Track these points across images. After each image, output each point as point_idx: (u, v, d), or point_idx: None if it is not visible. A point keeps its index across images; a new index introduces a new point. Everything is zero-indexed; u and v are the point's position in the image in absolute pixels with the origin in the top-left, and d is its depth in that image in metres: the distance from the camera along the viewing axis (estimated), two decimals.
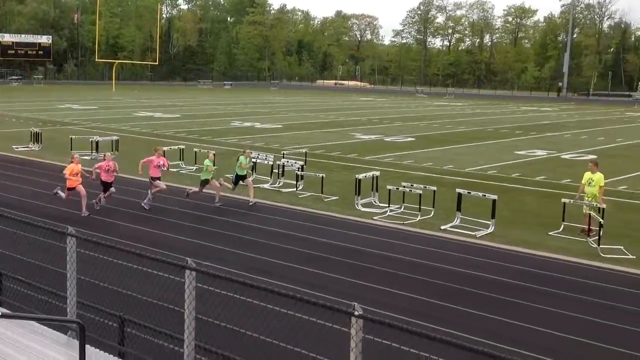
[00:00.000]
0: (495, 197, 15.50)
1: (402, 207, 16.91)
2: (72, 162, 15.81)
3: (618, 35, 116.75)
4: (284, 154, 23.13)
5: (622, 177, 23.35)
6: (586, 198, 15.27)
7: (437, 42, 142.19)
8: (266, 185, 19.90)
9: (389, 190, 17.03)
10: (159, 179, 16.65)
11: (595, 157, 26.06)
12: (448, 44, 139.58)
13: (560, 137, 37.98)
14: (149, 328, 6.78)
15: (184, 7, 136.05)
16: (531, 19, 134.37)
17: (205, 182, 16.85)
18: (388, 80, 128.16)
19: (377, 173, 18.64)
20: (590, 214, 14.83)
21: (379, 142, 32.86)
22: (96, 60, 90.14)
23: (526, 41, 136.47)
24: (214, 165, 17.19)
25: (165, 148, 23.57)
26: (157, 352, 6.92)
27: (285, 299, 5.13)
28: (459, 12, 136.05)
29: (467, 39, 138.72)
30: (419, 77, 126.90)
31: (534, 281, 11.74)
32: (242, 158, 17.39)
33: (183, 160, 23.60)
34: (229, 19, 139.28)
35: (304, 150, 24.46)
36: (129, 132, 34.45)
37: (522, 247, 13.99)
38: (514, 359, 3.90)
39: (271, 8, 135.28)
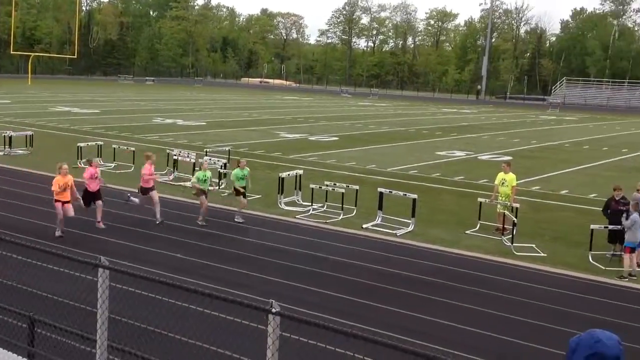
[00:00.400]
0: (415, 196, 15.82)
1: (325, 206, 17.02)
2: (59, 172, 13.44)
3: (534, 40, 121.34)
4: (206, 151, 22.88)
5: (536, 177, 24.28)
6: (500, 198, 15.81)
7: (361, 43, 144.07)
8: (188, 184, 19.58)
9: (312, 189, 17.12)
10: (152, 188, 14.91)
11: (510, 158, 27.04)
12: (372, 45, 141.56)
13: (479, 138, 39.13)
14: (60, 328, 6.55)
15: None
16: (452, 22, 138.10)
17: (201, 192, 15.23)
18: (313, 79, 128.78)
19: (301, 172, 18.69)
20: (504, 213, 15.37)
21: (303, 141, 32.96)
22: (11, 52, 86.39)
23: (447, 44, 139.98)
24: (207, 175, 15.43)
25: (82, 144, 22.97)
26: (68, 353, 6.70)
27: (202, 298, 5.06)
28: (383, 14, 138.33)
29: (391, 41, 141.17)
30: (344, 77, 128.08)
31: (451, 278, 12.05)
32: (237, 171, 15.71)
33: (101, 157, 22.94)
34: (151, 13, 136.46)
35: (227, 148, 24.26)
36: (45, 127, 33.23)
37: (440, 245, 14.34)
38: (429, 354, 3.98)
39: (195, 3, 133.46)
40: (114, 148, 22.78)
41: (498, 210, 15.83)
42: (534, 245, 14.42)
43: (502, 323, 10.05)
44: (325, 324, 4.64)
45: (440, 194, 20.54)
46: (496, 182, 16.24)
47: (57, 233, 13.32)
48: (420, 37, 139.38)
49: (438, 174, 24.12)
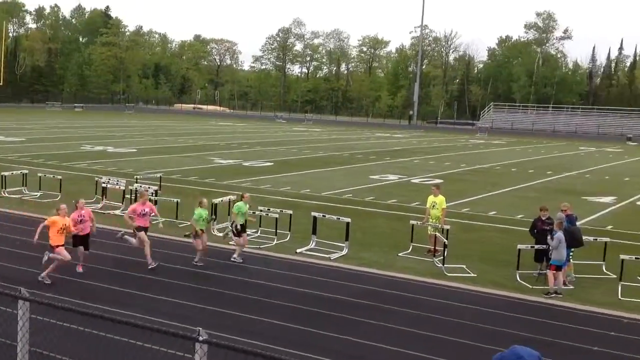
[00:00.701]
0: (348, 220, 15.91)
1: (259, 231, 16.92)
2: (57, 213, 12.31)
3: (462, 67, 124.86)
4: (137, 178, 22.46)
5: (466, 200, 24.83)
6: (431, 220, 16.10)
7: (295, 69, 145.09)
8: (118, 212, 19.16)
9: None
10: (146, 229, 13.78)
11: (441, 181, 27.58)
12: (306, 71, 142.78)
13: (411, 162, 39.82)
14: None
15: (32, 25, 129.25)
16: (384, 49, 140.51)
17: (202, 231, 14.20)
18: (248, 105, 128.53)
19: (234, 197, 18.54)
20: (435, 235, 15.64)
21: (238, 166, 32.79)
22: None
23: (380, 70, 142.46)
24: (207, 215, 14.47)
25: (6, 173, 22.18)
26: None
27: (126, 328, 4.92)
28: (316, 41, 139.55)
29: (325, 67, 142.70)
30: (279, 103, 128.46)
31: (385, 301, 12.13)
32: (241, 205, 14.66)
33: (26, 186, 22.18)
34: (81, 39, 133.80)
35: (158, 175, 23.87)
36: None
37: (374, 268, 14.44)
38: None
39: (126, 29, 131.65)
40: (40, 177, 22.07)
41: (429, 232, 16.10)
42: (464, 266, 14.70)
43: (436, 344, 10.16)
44: (254, 350, 4.58)
45: (374, 218, 20.74)
46: (427, 205, 16.53)
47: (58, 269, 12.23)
48: (353, 64, 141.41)
49: (372, 198, 24.37)
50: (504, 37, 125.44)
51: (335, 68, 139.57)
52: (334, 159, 39.40)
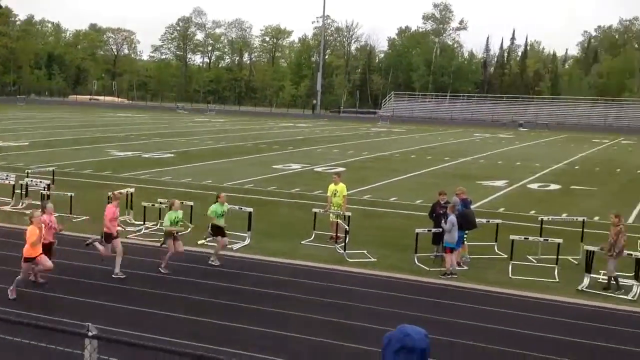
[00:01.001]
0: (251, 209, 15.85)
1: (159, 224, 16.55)
2: (30, 222, 10.91)
3: (364, 57, 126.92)
4: (27, 172, 21.47)
5: (367, 187, 25.28)
6: (332, 207, 16.30)
7: (197, 59, 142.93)
8: (7, 208, 18.25)
9: (144, 207, 16.61)
10: (116, 235, 12.76)
11: (343, 169, 27.96)
12: (208, 61, 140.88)
13: (314, 151, 40.10)
14: None
15: None
16: (287, 39, 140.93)
17: (170, 234, 13.30)
18: (148, 96, 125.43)
19: (132, 190, 18.09)
20: (337, 222, 15.85)
21: (136, 158, 31.95)
22: None
23: (283, 60, 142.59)
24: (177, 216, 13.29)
25: None
26: None
27: (10, 326, 4.69)
28: (218, 30, 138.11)
29: (227, 57, 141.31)
30: (180, 93, 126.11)
31: (289, 289, 12.18)
32: (215, 207, 13.84)
33: None
34: None
35: (51, 169, 22.91)
36: None
37: (277, 257, 14.46)
38: None
39: (17, 19, 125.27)
40: None
41: (331, 220, 16.29)
42: (365, 251, 14.97)
43: (340, 328, 10.29)
44: (145, 343, 4.49)
45: (277, 207, 20.76)
46: (328, 193, 16.71)
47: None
48: (256, 54, 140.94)
49: (274, 187, 24.37)
50: (404, 28, 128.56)
51: (237, 58, 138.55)
52: (237, 149, 39.13)
